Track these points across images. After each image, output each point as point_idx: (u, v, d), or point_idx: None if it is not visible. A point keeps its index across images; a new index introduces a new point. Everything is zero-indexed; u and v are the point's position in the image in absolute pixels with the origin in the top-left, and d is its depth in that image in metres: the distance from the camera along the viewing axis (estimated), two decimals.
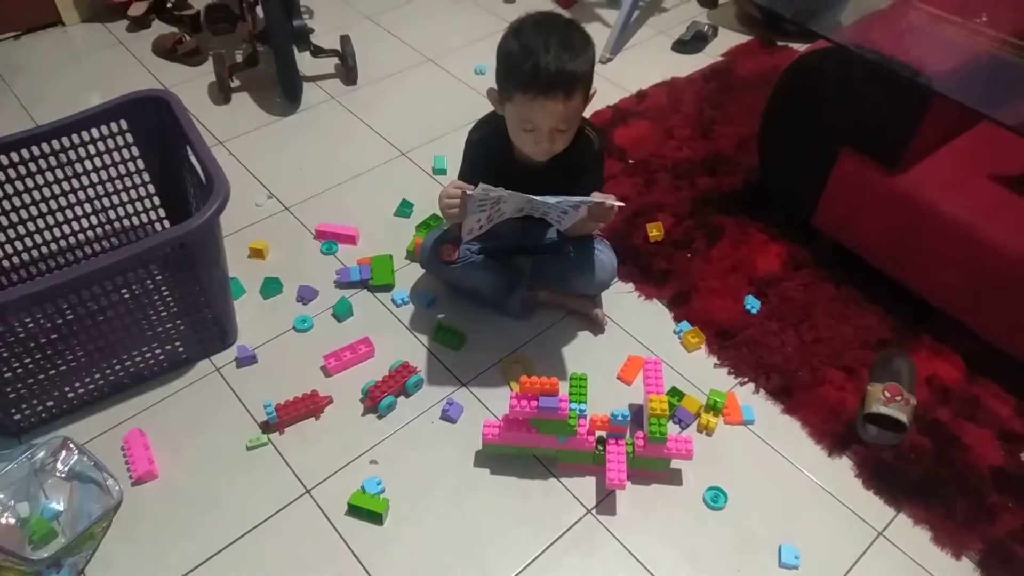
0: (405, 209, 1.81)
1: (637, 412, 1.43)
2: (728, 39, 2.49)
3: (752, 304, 1.62)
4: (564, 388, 1.34)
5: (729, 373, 1.52)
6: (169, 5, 2.44)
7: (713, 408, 1.42)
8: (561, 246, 1.55)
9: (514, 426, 1.28)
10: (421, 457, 1.35)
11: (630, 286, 1.68)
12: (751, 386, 1.50)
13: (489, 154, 1.42)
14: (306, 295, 1.61)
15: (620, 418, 1.27)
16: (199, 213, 1.23)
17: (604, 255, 1.50)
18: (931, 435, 1.41)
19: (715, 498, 1.30)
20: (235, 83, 2.21)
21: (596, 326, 1.57)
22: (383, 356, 1.51)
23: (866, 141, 1.53)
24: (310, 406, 1.40)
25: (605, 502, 1.30)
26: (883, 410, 1.39)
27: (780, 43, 2.46)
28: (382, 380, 1.42)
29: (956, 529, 1.28)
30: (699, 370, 1.52)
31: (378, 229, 1.77)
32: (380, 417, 1.41)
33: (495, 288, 1.56)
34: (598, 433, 1.32)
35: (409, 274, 1.65)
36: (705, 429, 1.41)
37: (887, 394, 1.41)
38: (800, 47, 2.41)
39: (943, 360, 1.53)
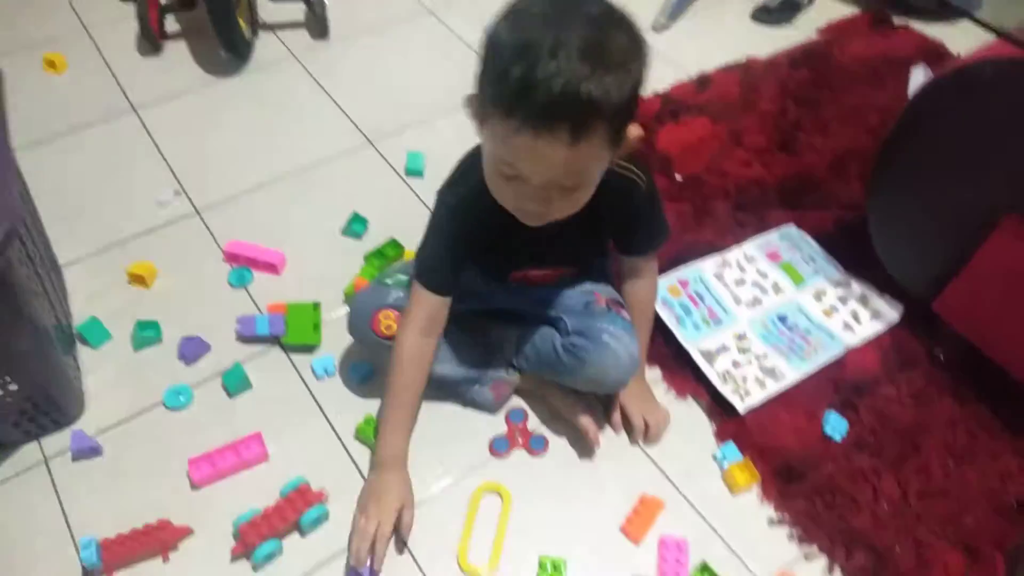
0: (356, 227, 1.31)
1: None
2: (828, 9, 1.88)
3: (836, 425, 1.10)
4: (514, 562, 0.85)
5: (791, 538, 1.01)
6: None
7: None
8: (560, 321, 1.04)
9: None
10: None
11: (657, 372, 1.16)
12: (822, 561, 0.99)
13: (479, 224, 0.91)
14: (191, 352, 1.13)
15: None
16: None
17: (619, 342, 0.98)
18: None
19: None
20: (174, 27, 1.70)
21: (583, 442, 1.07)
22: (281, 462, 1.04)
23: None
24: (155, 543, 0.94)
25: None
26: None
27: (898, 22, 1.84)
28: (263, 515, 0.95)
29: None
30: (746, 527, 1.01)
31: (315, 253, 1.28)
32: (256, 568, 0.94)
33: (458, 373, 1.06)
34: None
35: (343, 329, 1.17)
36: None
37: None
38: (925, 29, 1.82)
39: None
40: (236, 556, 0.95)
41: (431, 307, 0.96)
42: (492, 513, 1.01)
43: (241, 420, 1.07)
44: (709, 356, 1.15)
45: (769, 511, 1.03)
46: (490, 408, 1.10)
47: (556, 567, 0.84)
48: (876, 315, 1.22)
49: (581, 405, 1.07)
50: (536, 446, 1.07)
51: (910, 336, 1.21)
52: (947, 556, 0.99)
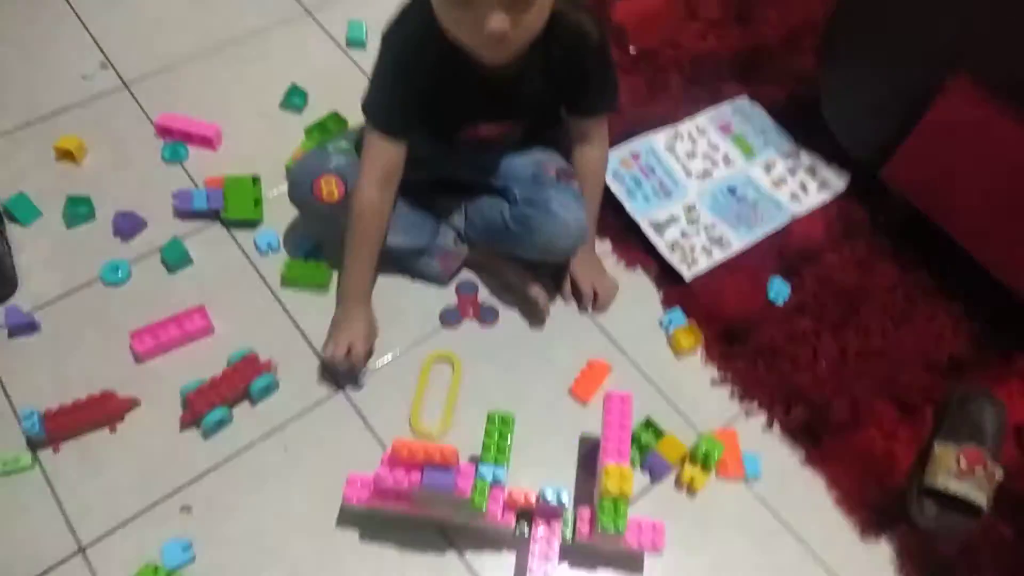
0: (296, 99, 1.25)
1: (592, 450, 0.97)
2: None
3: (779, 290, 1.12)
4: (466, 425, 0.87)
5: (733, 396, 1.05)
6: None
7: (703, 461, 0.95)
8: (508, 190, 1.02)
9: (389, 495, 0.82)
10: (259, 507, 0.90)
11: (607, 243, 1.16)
12: (762, 418, 1.03)
13: (429, 66, 0.88)
14: (127, 227, 1.09)
15: (554, 501, 0.81)
16: None
17: (567, 211, 0.97)
18: (1014, 520, 0.96)
19: None
20: None
21: (534, 312, 1.07)
22: (227, 335, 1.02)
23: (999, 65, 0.97)
24: (100, 414, 0.93)
25: None
26: (953, 487, 0.93)
27: None
28: (211, 383, 0.94)
29: None
30: (690, 387, 1.04)
31: (251, 127, 1.23)
32: (206, 436, 0.94)
33: (405, 244, 1.04)
34: (520, 508, 0.86)
35: (286, 204, 1.13)
36: (687, 486, 0.96)
37: (963, 462, 0.94)
38: None
39: None
40: (185, 425, 0.94)
41: (386, 156, 0.93)
42: (443, 381, 1.01)
43: (183, 295, 1.04)
44: (658, 227, 1.15)
45: (712, 372, 1.06)
46: (439, 280, 1.09)
47: (505, 421, 0.85)
48: (823, 185, 1.22)
49: (531, 276, 1.07)
50: (487, 317, 1.07)
51: (856, 206, 1.22)
52: (881, 410, 1.04)
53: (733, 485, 0.97)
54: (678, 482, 0.96)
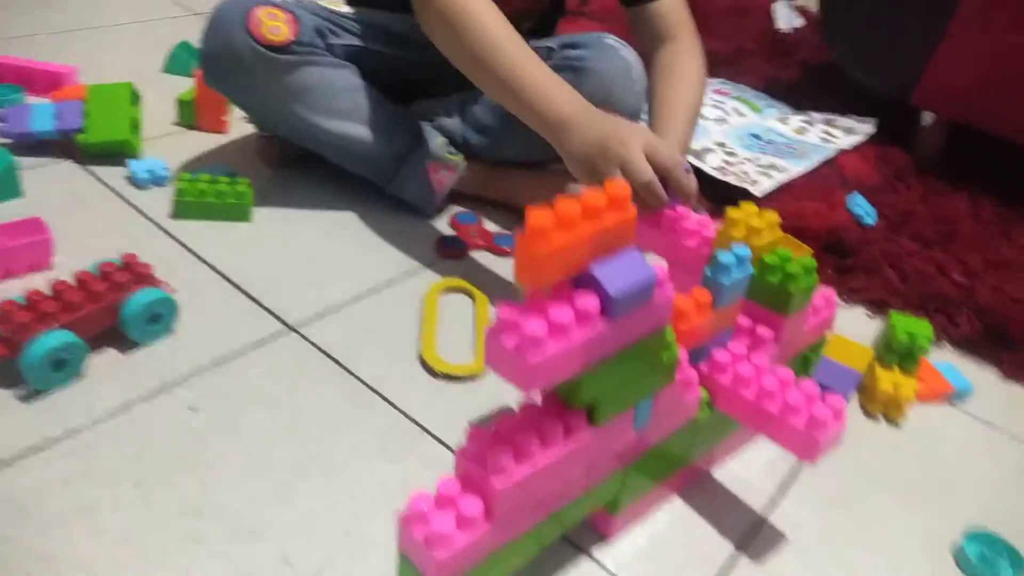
0: (181, 61, 0.93)
1: None
2: None
3: (865, 209, 0.87)
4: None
5: (872, 316, 0.73)
6: None
7: (903, 358, 0.60)
8: (540, 49, 0.73)
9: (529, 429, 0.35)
10: (136, 513, 0.42)
11: None
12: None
13: None
14: None
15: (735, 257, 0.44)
16: None
17: (626, 49, 0.72)
18: None
19: (989, 564, 0.47)
20: None
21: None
22: (75, 251, 0.59)
23: None
24: None
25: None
26: None
27: None
28: (52, 290, 0.50)
29: None
30: None
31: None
32: (29, 396, 0.47)
33: (377, 141, 0.70)
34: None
35: (175, 140, 0.77)
36: (885, 406, 0.59)
37: None
38: None
39: None
40: None
41: None
42: (450, 316, 0.62)
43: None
44: (698, 155, 0.90)
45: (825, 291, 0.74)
46: (426, 202, 0.73)
47: None
48: (849, 131, 1.05)
49: (557, 181, 0.74)
50: (503, 243, 0.72)
51: (892, 148, 1.04)
52: None
53: (937, 409, 0.61)
54: (868, 404, 0.59)
